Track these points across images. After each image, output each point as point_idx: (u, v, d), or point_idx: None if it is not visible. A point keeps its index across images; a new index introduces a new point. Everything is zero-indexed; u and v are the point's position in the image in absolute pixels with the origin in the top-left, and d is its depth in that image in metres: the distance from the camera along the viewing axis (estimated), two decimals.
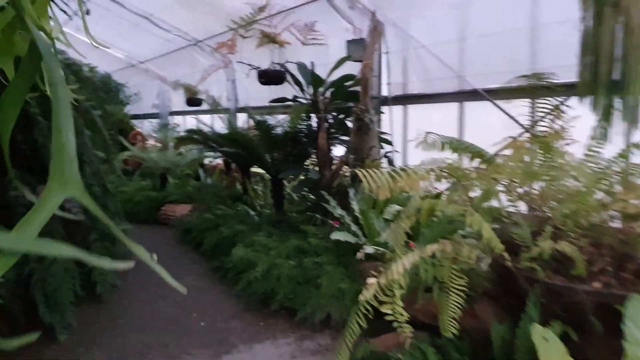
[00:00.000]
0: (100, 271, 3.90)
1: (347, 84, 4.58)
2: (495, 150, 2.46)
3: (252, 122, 7.62)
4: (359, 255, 3.03)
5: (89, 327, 3.49)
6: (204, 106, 8.76)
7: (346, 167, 4.47)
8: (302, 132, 4.99)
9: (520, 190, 2.21)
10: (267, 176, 6.98)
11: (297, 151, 5.06)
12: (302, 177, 5.03)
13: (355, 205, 4.03)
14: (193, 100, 8.15)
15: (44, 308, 3.10)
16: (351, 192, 4.18)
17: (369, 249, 3.21)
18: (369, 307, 2.05)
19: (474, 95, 4.47)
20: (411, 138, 5.33)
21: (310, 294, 3.53)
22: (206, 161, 9.02)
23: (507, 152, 2.40)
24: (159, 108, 11.27)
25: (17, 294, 3.01)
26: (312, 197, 5.07)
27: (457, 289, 2.04)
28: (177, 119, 11.46)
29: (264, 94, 7.67)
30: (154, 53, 9.37)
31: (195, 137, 6.26)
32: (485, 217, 1.91)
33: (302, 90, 4.79)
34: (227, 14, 5.32)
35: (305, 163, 5.21)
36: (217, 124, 7.77)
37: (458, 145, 2.29)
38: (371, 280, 1.78)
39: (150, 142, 10.49)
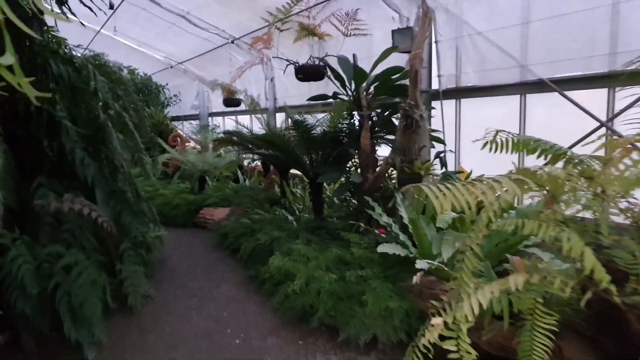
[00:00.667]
0: (132, 282, 3.70)
1: (394, 77, 4.17)
2: (582, 150, 2.00)
3: (290, 122, 7.34)
4: (415, 279, 2.63)
5: (118, 343, 3.28)
6: (243, 106, 8.57)
7: (393, 169, 4.07)
8: (343, 132, 4.62)
9: (620, 200, 1.75)
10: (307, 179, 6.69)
11: (337, 152, 4.70)
12: (342, 180, 4.66)
13: (403, 212, 3.62)
14: (231, 100, 7.95)
15: (70, 324, 2.90)
16: (398, 197, 3.77)
17: (422, 264, 2.80)
18: (429, 347, 1.66)
19: (539, 86, 3.94)
20: (465, 135, 4.87)
21: (353, 312, 3.16)
22: (245, 162, 8.84)
23: (598, 152, 1.94)
24: (199, 109, 11.22)
25: (44, 307, 2.82)
26: (354, 201, 4.69)
27: (543, 327, 1.61)
28: (217, 120, 11.38)
29: (304, 92, 7.37)
30: (192, 53, 9.28)
31: (233, 138, 6.03)
32: (581, 237, 1.48)
33: (344, 85, 4.42)
34: (264, 7, 5.02)
35: (347, 165, 4.84)
36: (256, 124, 7.54)
37: (536, 146, 1.86)
38: (436, 321, 1.40)
39: (191, 144, 10.45)
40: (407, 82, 4.15)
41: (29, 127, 3.10)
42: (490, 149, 2.07)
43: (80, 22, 4.17)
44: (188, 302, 3.94)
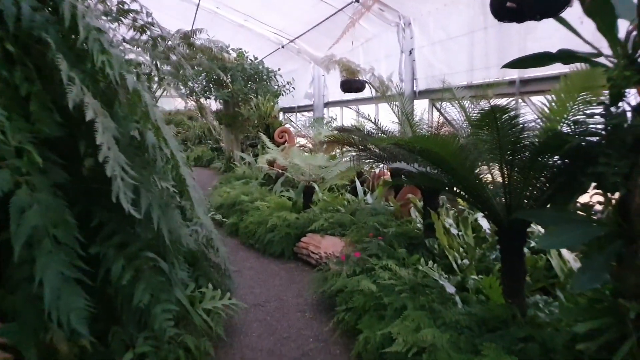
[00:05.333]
0: None
1: None
2: None
3: (437, 116, 4.91)
4: None
5: None
6: (367, 93, 6.35)
7: None
8: (587, 132, 2.10)
9: None
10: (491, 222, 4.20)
11: (568, 174, 2.20)
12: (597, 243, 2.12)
13: None
14: (350, 83, 5.78)
15: None
16: None
17: None
18: None
19: None
20: None
21: None
22: (366, 166, 6.62)
23: None
24: (313, 98, 9.29)
25: None
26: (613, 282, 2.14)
27: None
28: (334, 111, 9.36)
29: (462, 66, 4.88)
30: (306, 25, 7.29)
31: (351, 138, 3.83)
32: None
33: (609, 32, 1.91)
34: None
35: (581, 201, 2.30)
36: (385, 117, 5.25)
37: None
38: None
39: (302, 140, 8.58)
40: None
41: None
42: None
43: None
44: None
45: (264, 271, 4.59)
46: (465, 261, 3.29)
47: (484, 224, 3.99)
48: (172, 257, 2.38)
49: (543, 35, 3.95)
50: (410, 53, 5.45)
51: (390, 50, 5.88)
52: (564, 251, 3.29)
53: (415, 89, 5.56)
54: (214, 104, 11.99)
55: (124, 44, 2.75)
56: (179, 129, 16.74)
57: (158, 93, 5.38)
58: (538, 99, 3.71)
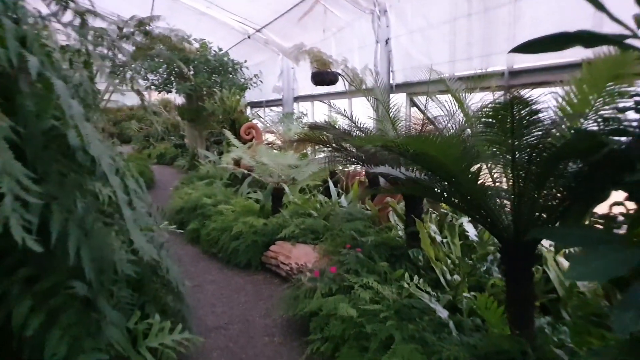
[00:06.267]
0: None
1: None
2: None
3: (416, 113, 4.54)
4: None
5: None
6: (341, 86, 5.91)
7: None
8: (619, 131, 1.72)
9: None
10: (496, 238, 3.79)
11: (591, 181, 1.81)
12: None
13: None
14: (322, 75, 5.31)
15: None
16: None
17: None
18: None
19: None
20: None
21: None
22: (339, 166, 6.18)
23: None
24: (282, 92, 8.79)
25: None
26: None
27: None
28: (305, 106, 8.89)
29: (443, 57, 4.50)
30: (274, 13, 6.76)
31: (324, 136, 3.38)
32: None
33: None
34: None
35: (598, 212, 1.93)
36: (360, 112, 4.82)
37: None
38: None
39: (270, 137, 8.07)
40: None
41: None
42: None
43: None
44: None
45: (227, 285, 4.10)
46: (456, 277, 2.90)
47: (470, 229, 3.64)
48: (101, 292, 1.86)
49: (533, 21, 3.62)
50: (387, 43, 5.03)
51: (364, 40, 5.45)
52: (563, 260, 2.96)
53: (392, 82, 5.15)
54: (179, 99, 11.36)
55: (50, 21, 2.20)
56: (142, 124, 16.02)
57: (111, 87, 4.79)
58: (534, 91, 3.37)
